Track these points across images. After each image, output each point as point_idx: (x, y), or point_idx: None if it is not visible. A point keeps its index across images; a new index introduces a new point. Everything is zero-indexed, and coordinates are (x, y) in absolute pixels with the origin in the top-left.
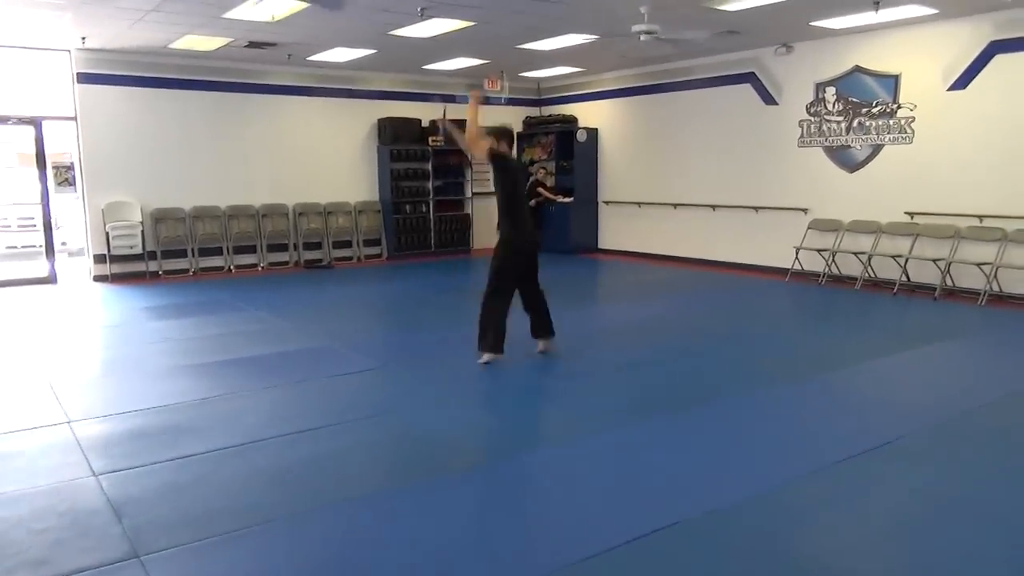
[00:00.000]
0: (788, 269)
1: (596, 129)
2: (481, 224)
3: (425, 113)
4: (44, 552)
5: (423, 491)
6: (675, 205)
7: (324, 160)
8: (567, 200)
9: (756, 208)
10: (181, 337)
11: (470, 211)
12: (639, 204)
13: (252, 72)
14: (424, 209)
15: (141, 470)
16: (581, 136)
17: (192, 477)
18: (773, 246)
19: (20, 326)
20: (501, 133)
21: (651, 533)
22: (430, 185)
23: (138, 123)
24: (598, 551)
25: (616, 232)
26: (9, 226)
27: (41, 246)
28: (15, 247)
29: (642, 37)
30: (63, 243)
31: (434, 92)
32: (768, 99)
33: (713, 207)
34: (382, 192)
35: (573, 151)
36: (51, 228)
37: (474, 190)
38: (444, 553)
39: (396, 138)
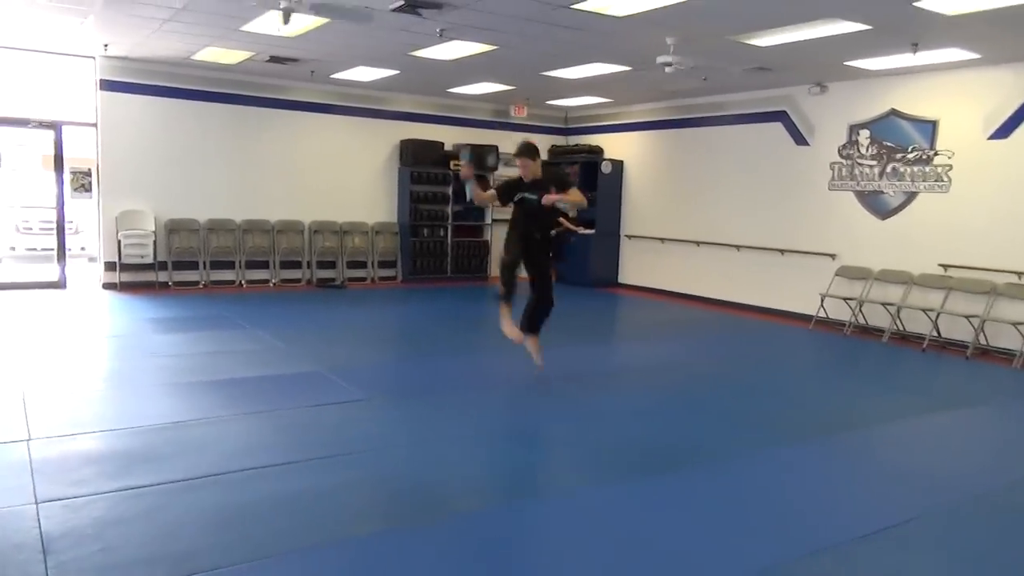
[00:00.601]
0: (813, 316)
1: (622, 161)
2: (499, 251)
3: (449, 136)
4: None
5: (386, 543)
6: (698, 243)
7: (343, 179)
8: (588, 232)
9: (782, 251)
10: (174, 353)
11: (489, 238)
12: (662, 240)
13: (275, 87)
14: (442, 233)
15: (86, 500)
16: (606, 167)
17: (139, 511)
18: (798, 291)
19: (15, 331)
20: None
21: None
22: (449, 209)
23: (157, 132)
24: None
25: (637, 267)
26: (31, 228)
27: (67, 250)
28: (35, 249)
29: (667, 69)
30: (82, 248)
31: (458, 116)
32: (799, 139)
33: (737, 247)
34: (400, 214)
35: (597, 182)
36: (63, 232)
37: (494, 216)
38: None
39: (417, 160)
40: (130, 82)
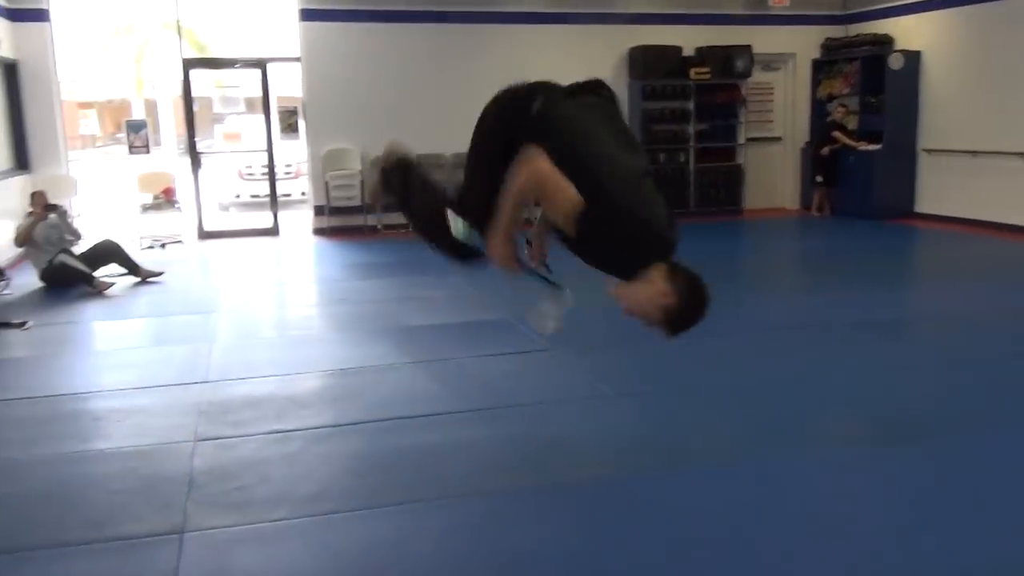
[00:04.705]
0: None
1: (918, 53)
2: (757, 178)
3: (688, 39)
4: (105, 514)
5: (513, 503)
6: None
7: None
8: (872, 147)
9: None
10: (363, 300)
11: (743, 161)
12: (974, 153)
13: None
14: (682, 159)
15: (238, 440)
16: (895, 62)
17: (281, 454)
18: None
19: (219, 280)
20: None
21: None
22: (691, 129)
23: (361, 62)
24: None
25: (941, 192)
26: (253, 174)
27: (287, 195)
28: (257, 196)
29: None
30: (302, 193)
31: (700, 12)
32: None
33: None
34: None
35: (884, 83)
36: (274, 177)
37: (749, 134)
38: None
39: (650, 71)
40: (330, 9)
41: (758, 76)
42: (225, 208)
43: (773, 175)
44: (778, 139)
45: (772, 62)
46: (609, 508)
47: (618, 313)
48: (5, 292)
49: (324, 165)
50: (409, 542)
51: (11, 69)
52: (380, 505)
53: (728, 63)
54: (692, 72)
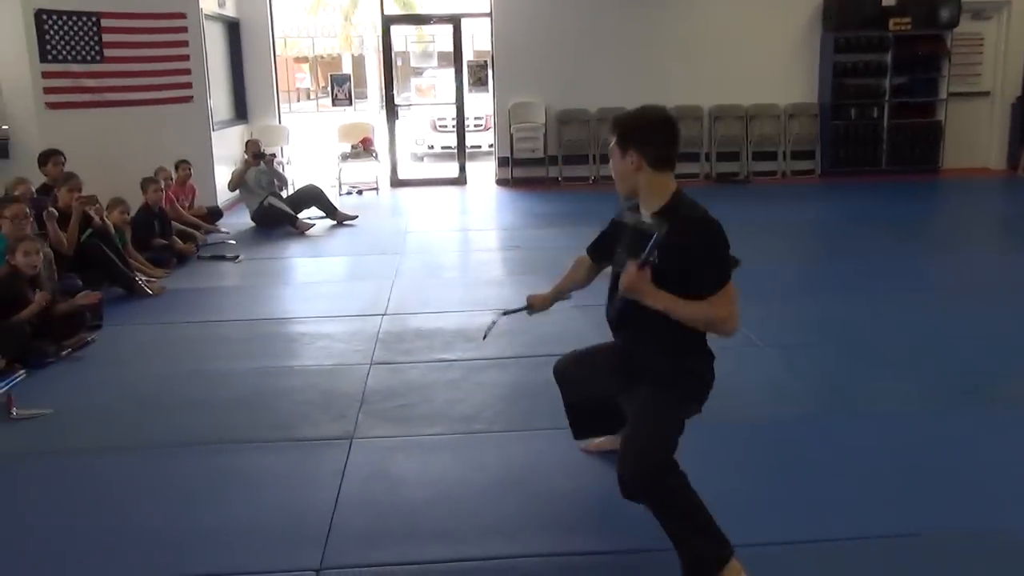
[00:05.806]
0: None
1: None
2: (958, 136)
3: None
4: (287, 419)
5: None
6: None
7: (750, 52)
8: None
9: None
10: (534, 247)
11: (943, 117)
12: None
13: None
14: (876, 114)
15: (407, 366)
16: None
17: (444, 379)
18: None
19: (406, 224)
20: None
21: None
22: (887, 83)
23: (547, 18)
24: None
25: None
26: (446, 126)
27: (477, 147)
28: (449, 147)
29: None
30: (490, 145)
31: None
32: None
33: None
34: (821, 92)
35: None
36: (463, 128)
37: (953, 89)
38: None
39: (845, 22)
40: None
41: (966, 26)
42: (419, 158)
43: (977, 132)
44: (986, 94)
45: (983, 10)
46: (755, 444)
47: (774, 271)
48: (228, 239)
49: (510, 118)
50: (544, 462)
51: (234, 27)
52: (524, 429)
53: (932, 12)
54: (891, 23)
